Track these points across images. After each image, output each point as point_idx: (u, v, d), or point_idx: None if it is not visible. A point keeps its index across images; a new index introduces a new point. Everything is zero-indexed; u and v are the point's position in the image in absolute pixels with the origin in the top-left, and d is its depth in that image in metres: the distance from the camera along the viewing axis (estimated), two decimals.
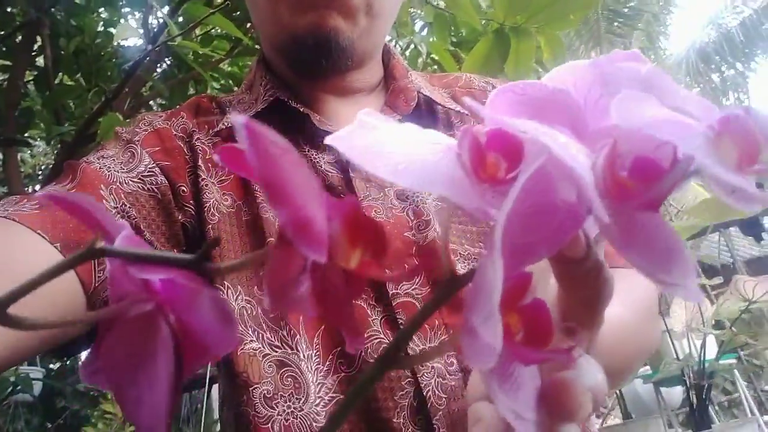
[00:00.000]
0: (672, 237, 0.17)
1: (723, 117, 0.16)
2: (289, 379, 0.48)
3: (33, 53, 1.74)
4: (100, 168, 0.51)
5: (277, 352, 0.48)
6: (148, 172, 0.53)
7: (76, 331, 0.45)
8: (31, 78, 1.80)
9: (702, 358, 2.40)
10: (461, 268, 0.51)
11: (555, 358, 0.15)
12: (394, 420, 0.46)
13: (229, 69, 2.06)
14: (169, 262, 0.16)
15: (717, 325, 2.51)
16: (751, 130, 0.16)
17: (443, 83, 0.67)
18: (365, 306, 0.49)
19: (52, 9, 1.62)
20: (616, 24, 9.19)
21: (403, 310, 0.49)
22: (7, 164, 1.67)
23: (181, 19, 1.60)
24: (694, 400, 2.41)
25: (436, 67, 1.77)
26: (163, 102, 1.94)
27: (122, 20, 1.87)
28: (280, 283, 0.14)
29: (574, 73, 0.19)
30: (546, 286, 0.24)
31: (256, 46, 1.71)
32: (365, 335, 0.48)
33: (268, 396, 0.47)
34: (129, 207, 0.50)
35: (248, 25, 1.76)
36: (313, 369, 0.48)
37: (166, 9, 1.46)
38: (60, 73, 1.75)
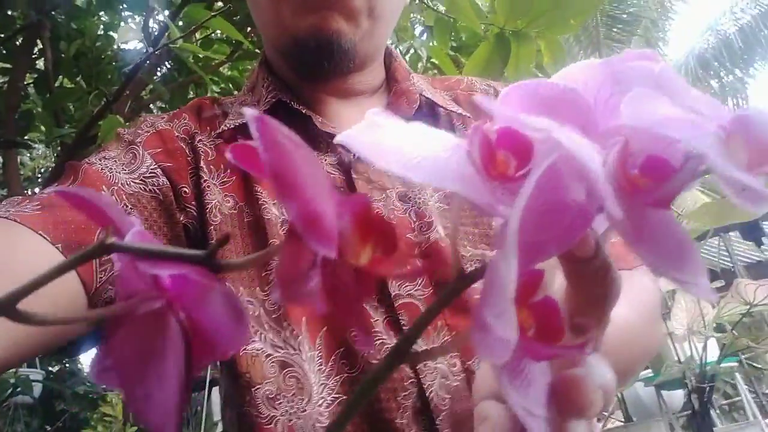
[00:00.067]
0: (682, 235, 0.17)
1: (734, 117, 0.16)
2: (291, 380, 0.48)
3: (33, 56, 1.75)
4: (101, 169, 0.51)
5: (279, 352, 0.48)
6: (150, 173, 0.53)
7: (76, 333, 0.45)
8: (31, 81, 1.80)
9: (703, 361, 2.40)
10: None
11: (567, 353, 0.15)
12: (397, 421, 0.46)
13: (229, 73, 2.07)
14: (180, 258, 0.15)
15: (718, 329, 2.51)
16: (762, 131, 0.16)
17: (445, 86, 0.67)
18: (367, 307, 0.49)
19: (53, 12, 1.62)
20: (615, 30, 9.21)
21: (405, 312, 0.49)
22: (7, 167, 1.67)
23: (181, 23, 1.61)
24: (696, 404, 2.41)
25: (436, 71, 1.78)
26: (164, 105, 1.95)
27: (122, 23, 1.88)
28: (289, 278, 0.14)
29: (584, 72, 0.19)
30: (552, 285, 0.24)
31: (256, 50, 1.71)
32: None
33: (271, 396, 0.47)
34: (130, 208, 0.50)
35: (248, 29, 1.77)
36: (316, 370, 0.48)
37: (166, 12, 1.46)
38: (60, 76, 1.75)
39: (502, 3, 1.06)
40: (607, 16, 8.88)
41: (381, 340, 0.49)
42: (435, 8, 1.54)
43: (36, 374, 3.13)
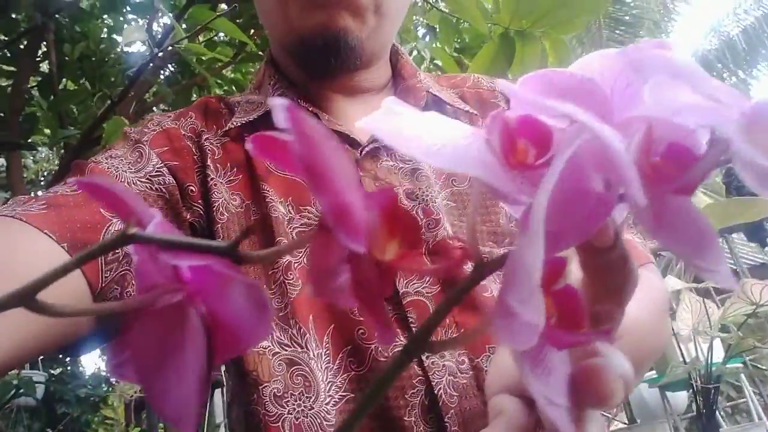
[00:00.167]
0: (704, 223, 0.16)
1: (755, 105, 0.16)
2: (299, 378, 0.47)
3: (37, 59, 1.75)
4: (108, 168, 0.51)
5: (286, 350, 0.48)
6: (156, 172, 0.53)
7: (80, 333, 0.44)
8: (35, 83, 1.80)
9: (709, 362, 2.39)
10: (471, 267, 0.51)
11: (591, 340, 0.15)
12: (405, 419, 0.46)
13: (233, 75, 2.07)
14: (203, 249, 0.15)
15: (723, 329, 2.50)
16: None
17: (451, 83, 0.67)
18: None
19: (57, 15, 1.63)
20: (617, 32, 9.20)
21: (413, 309, 0.49)
22: (11, 169, 1.68)
23: (185, 25, 1.61)
24: (701, 405, 2.40)
25: (439, 73, 1.78)
26: (167, 107, 1.95)
27: (126, 26, 1.88)
28: (321, 272, 0.14)
29: (601, 62, 0.19)
30: (569, 276, 0.24)
31: (260, 53, 1.72)
32: (375, 334, 0.48)
33: (278, 394, 0.47)
34: None
35: (252, 31, 1.77)
36: (323, 367, 0.48)
37: (171, 14, 1.47)
38: (64, 79, 1.76)
39: (507, 2, 1.06)
40: (610, 18, 8.88)
41: None
42: (439, 8, 1.54)
43: (39, 376, 3.12)
